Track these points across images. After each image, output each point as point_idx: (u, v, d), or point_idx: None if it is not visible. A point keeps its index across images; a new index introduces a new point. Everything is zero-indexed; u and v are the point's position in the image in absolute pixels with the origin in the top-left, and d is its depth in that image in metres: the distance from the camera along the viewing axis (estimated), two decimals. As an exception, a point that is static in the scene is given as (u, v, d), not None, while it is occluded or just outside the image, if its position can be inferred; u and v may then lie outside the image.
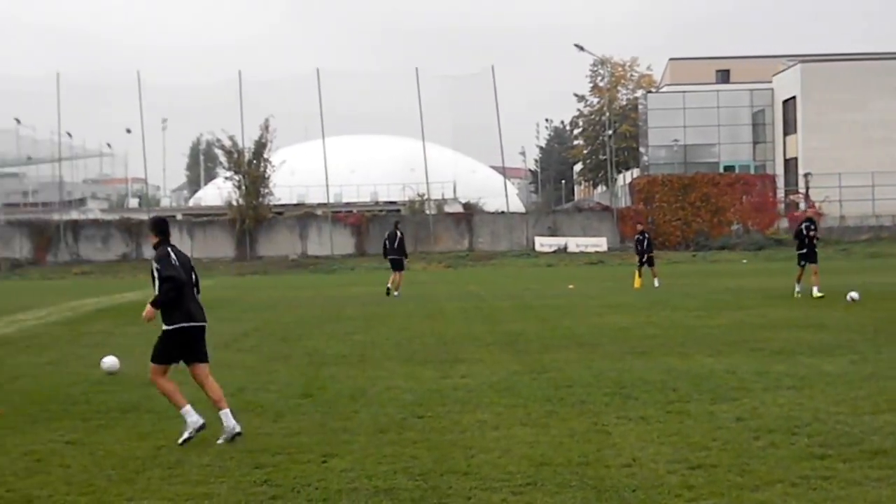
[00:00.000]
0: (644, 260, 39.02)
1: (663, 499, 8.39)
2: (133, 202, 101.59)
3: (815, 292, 28.73)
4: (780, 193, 77.97)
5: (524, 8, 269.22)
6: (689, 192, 73.51)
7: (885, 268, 48.18)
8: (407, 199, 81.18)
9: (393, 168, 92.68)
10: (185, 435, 11.03)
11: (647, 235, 39.64)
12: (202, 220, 78.40)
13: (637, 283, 37.83)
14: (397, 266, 35.71)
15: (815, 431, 10.68)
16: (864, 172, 72.64)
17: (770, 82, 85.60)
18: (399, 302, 32.64)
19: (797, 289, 29.33)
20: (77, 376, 16.58)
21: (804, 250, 29.53)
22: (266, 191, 74.77)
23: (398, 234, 35.77)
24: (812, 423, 11.13)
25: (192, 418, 11.13)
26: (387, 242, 36.13)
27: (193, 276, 11.82)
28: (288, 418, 12.28)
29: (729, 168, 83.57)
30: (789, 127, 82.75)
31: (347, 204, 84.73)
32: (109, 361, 16.53)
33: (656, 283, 37.37)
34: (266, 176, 74.43)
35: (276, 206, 77.02)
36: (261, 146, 74.30)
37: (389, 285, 35.58)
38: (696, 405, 12.39)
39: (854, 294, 27.23)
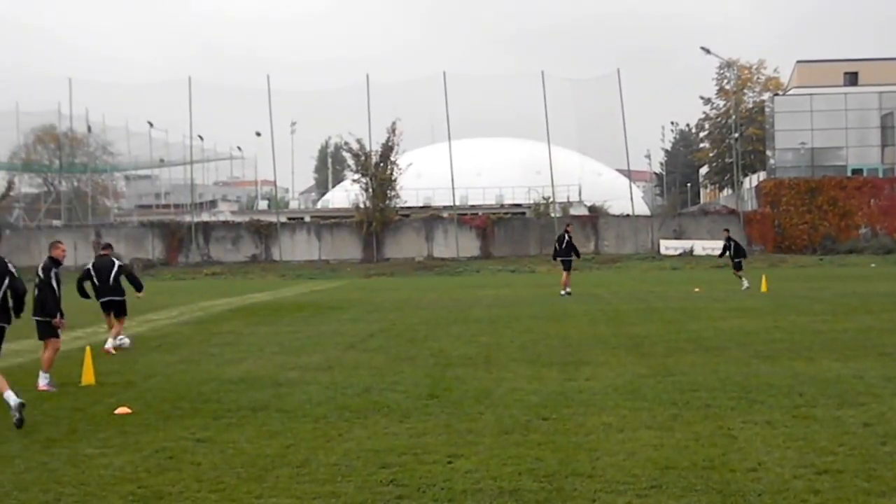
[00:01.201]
0: (733, 264, 40.08)
1: (789, 504, 8.37)
2: (262, 204, 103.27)
3: None
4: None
5: (651, 10, 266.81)
6: (817, 196, 72.23)
7: None
8: (532, 201, 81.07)
9: (518, 171, 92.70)
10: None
11: (733, 241, 40.45)
12: (330, 222, 79.32)
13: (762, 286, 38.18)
14: (567, 266, 37.95)
15: (946, 438, 10.51)
16: None
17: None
18: (524, 304, 32.71)
19: None
20: (208, 375, 16.96)
21: None
22: (392, 193, 75.34)
23: (566, 236, 38.17)
24: (943, 430, 10.95)
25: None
26: (557, 245, 38.62)
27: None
28: (414, 419, 12.42)
29: (857, 171, 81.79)
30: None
31: (473, 206, 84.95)
32: None
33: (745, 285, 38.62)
34: (393, 178, 75.00)
35: (402, 208, 77.56)
36: (387, 149, 74.91)
37: (566, 288, 37.66)
38: (823, 410, 12.26)
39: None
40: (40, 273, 15.53)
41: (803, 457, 9.86)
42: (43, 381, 15.47)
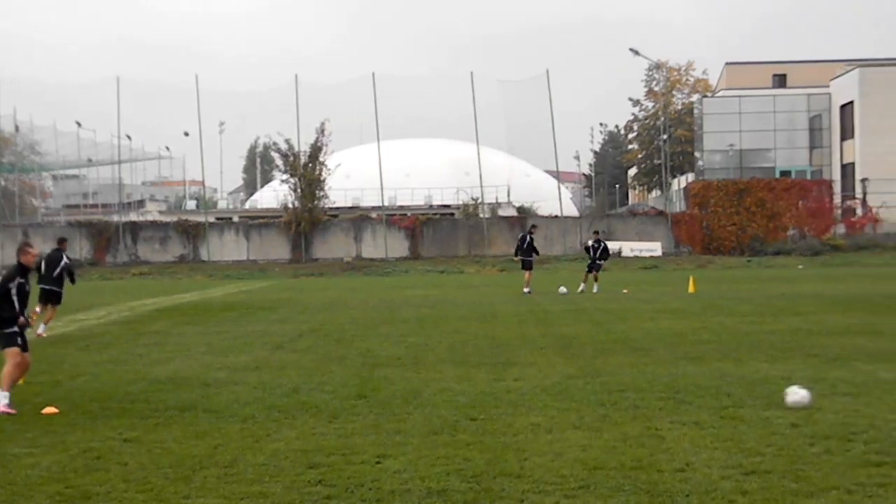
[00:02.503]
0: (593, 266, 39.79)
1: (717, 504, 8.38)
2: (191, 204, 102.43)
3: None
4: (837, 199, 77.19)
5: (579, 12, 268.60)
6: (745, 197, 73.05)
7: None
8: (461, 202, 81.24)
9: (447, 172, 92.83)
10: None
11: (602, 243, 40.43)
12: (258, 222, 78.97)
13: (581, 286, 39.01)
14: (527, 265, 38.90)
15: (872, 438, 10.61)
16: (923, 179, 71.83)
17: (828, 87, 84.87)
18: (453, 305, 32.73)
19: None
20: (135, 375, 16.76)
21: None
22: (321, 194, 75.19)
23: (529, 236, 39.56)
24: (868, 430, 11.06)
25: None
26: (519, 243, 39.91)
27: None
28: (342, 419, 12.36)
29: (785, 173, 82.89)
30: (847, 132, 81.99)
31: (402, 207, 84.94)
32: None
33: (595, 289, 38.57)
34: (321, 179, 74.85)
35: (331, 209, 77.39)
36: (316, 150, 74.74)
37: (526, 287, 38.27)
38: (751, 411, 12.34)
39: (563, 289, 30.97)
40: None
41: (731, 457, 9.89)
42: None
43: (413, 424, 11.92)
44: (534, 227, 42.63)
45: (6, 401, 13.25)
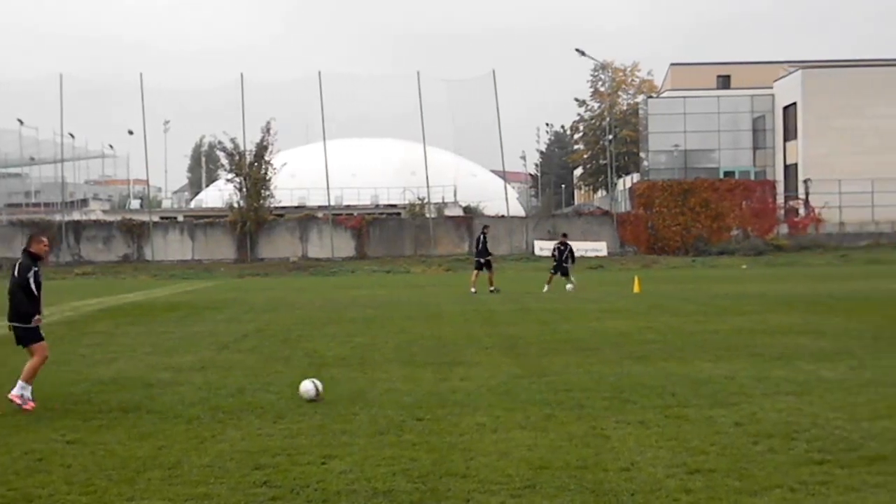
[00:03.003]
0: (558, 268, 40.18)
1: (661, 503, 8.42)
2: (135, 204, 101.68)
3: None
4: (780, 199, 78.00)
5: (526, 12, 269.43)
6: (689, 198, 73.59)
7: (885, 274, 48.19)
8: (407, 202, 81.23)
9: (394, 171, 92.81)
10: None
11: (568, 246, 40.78)
12: (203, 222, 78.51)
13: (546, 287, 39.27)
14: (478, 266, 39.70)
15: (814, 437, 10.71)
16: (863, 179, 72.70)
17: (771, 88, 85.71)
18: (399, 305, 32.71)
19: None
20: (78, 376, 16.58)
21: None
22: (267, 193, 74.93)
23: (482, 237, 39.86)
24: (811, 428, 11.16)
25: None
26: (476, 245, 40.58)
27: None
28: (288, 419, 12.29)
29: (729, 173, 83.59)
30: (790, 133, 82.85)
31: (348, 207, 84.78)
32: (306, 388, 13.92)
33: (569, 287, 39.05)
34: (267, 178, 74.60)
35: (276, 208, 77.13)
36: (262, 149, 74.48)
37: (491, 286, 38.99)
38: (695, 410, 12.42)
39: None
40: (16, 273, 13.65)
41: (675, 456, 9.95)
42: (18, 391, 13.46)
43: (359, 425, 11.89)
44: (486, 227, 42.87)
45: (28, 394, 13.43)
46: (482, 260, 39.41)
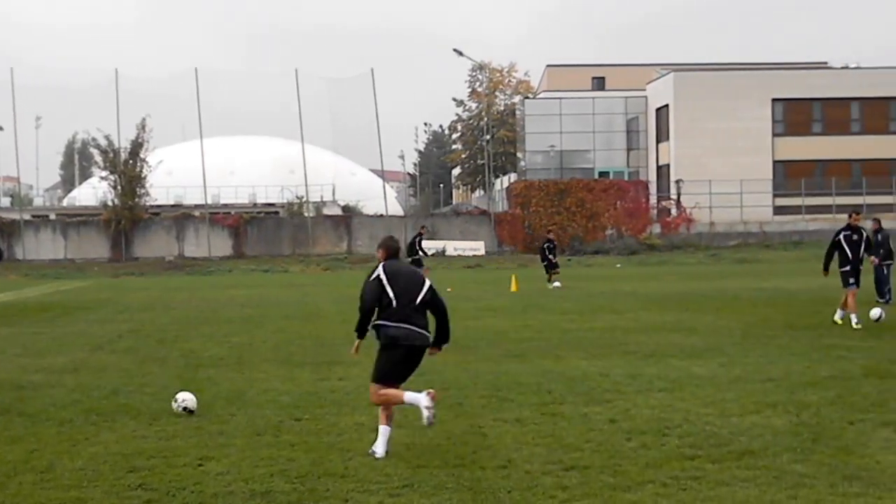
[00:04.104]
0: (551, 266, 40.40)
1: (538, 500, 8.52)
2: (5, 201, 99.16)
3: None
4: (653, 199, 79.34)
5: (404, 11, 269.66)
6: (565, 198, 74.43)
7: (753, 273, 49.39)
8: (286, 201, 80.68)
9: (272, 170, 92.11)
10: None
11: (555, 243, 40.97)
12: (76, 220, 76.95)
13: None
14: (419, 264, 39.55)
15: (685, 433, 10.95)
16: (733, 180, 74.36)
17: (644, 90, 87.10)
18: (277, 304, 32.52)
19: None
20: (-55, 379, 16.14)
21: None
22: (142, 191, 73.79)
23: (418, 237, 40.29)
24: (682, 424, 11.41)
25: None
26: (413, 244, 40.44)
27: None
28: (163, 421, 12.15)
29: (603, 174, 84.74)
30: (662, 134, 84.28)
31: (225, 205, 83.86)
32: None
33: (557, 284, 39.12)
34: (142, 176, 73.47)
35: (152, 206, 75.98)
36: (137, 146, 73.33)
37: None
38: (571, 407, 12.60)
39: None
40: None
41: (552, 453, 10.09)
42: None
43: (236, 426, 11.82)
44: (423, 227, 43.55)
45: None
46: (416, 258, 39.34)
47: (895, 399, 12.71)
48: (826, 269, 22.90)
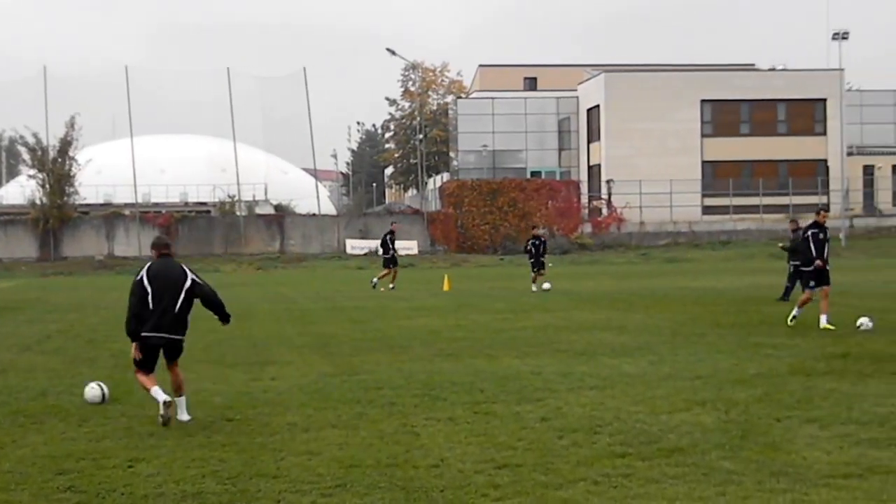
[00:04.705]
0: (536, 263, 37.85)
1: (470, 498, 8.57)
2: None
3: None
4: (584, 199, 79.83)
5: (336, 10, 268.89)
6: (498, 197, 74.66)
7: (682, 272, 49.92)
8: (217, 200, 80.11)
9: (203, 168, 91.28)
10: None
11: (542, 240, 39.03)
12: (3, 219, 75.79)
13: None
14: (385, 263, 40.78)
15: (616, 430, 11.05)
16: (663, 180, 75.06)
17: (575, 91, 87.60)
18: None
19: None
20: None
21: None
22: (71, 190, 72.82)
23: (389, 235, 40.62)
24: (613, 422, 11.51)
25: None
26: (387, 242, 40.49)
27: None
28: (93, 422, 12.05)
29: (535, 174, 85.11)
30: (593, 134, 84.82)
31: (156, 204, 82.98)
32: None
33: (546, 286, 36.63)
34: (71, 174, 72.51)
35: (81, 205, 75.00)
36: (66, 144, 72.35)
37: (376, 281, 40.36)
38: (503, 406, 12.67)
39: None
40: None
41: (484, 452, 10.14)
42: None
43: (167, 427, 11.73)
44: (393, 223, 43.80)
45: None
46: (386, 256, 40.28)
47: (821, 396, 12.93)
48: (820, 258, 21.21)
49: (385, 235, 40.99)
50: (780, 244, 32.73)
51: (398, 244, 42.76)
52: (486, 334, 21.39)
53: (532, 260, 38.05)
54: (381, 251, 41.68)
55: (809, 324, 21.98)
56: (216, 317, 13.11)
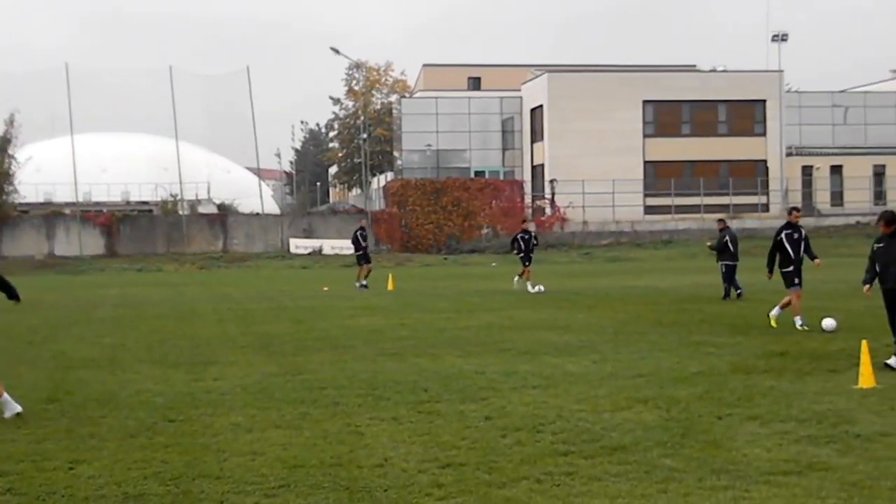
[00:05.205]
0: (526, 258, 35.65)
1: (414, 498, 8.59)
2: None
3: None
4: (528, 199, 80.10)
5: (280, 8, 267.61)
6: (442, 196, 74.72)
7: (624, 271, 50.25)
8: (159, 199, 79.51)
9: (145, 167, 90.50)
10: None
11: (531, 234, 36.60)
12: (-61, 217, 74.75)
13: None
14: (359, 261, 41.33)
15: (559, 429, 11.12)
16: (605, 180, 75.50)
17: (519, 91, 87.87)
18: (151, 304, 32.08)
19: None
20: None
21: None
22: (10, 188, 71.96)
23: (358, 233, 40.97)
24: (556, 420, 11.58)
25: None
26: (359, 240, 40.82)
27: None
28: (33, 424, 11.93)
29: (479, 173, 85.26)
30: (536, 134, 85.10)
31: (98, 203, 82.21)
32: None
33: (540, 288, 34.51)
34: (10, 173, 71.66)
35: (21, 204, 74.16)
36: (5, 142, 71.54)
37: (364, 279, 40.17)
38: (447, 405, 12.70)
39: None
40: None
41: (428, 451, 10.16)
42: None
43: (108, 428, 11.65)
44: (363, 220, 44.03)
45: None
46: (359, 254, 40.76)
47: (761, 394, 13.08)
48: (771, 270, 21.40)
49: (355, 232, 41.37)
50: (708, 243, 33.10)
51: (341, 243, 42.69)
52: (429, 333, 21.42)
53: (521, 255, 35.77)
54: (353, 249, 42.47)
55: (750, 322, 22.22)
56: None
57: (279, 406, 12.82)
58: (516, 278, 36.23)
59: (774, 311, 21.61)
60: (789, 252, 21.02)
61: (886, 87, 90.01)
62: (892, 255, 15.33)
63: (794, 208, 22.09)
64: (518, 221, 75.43)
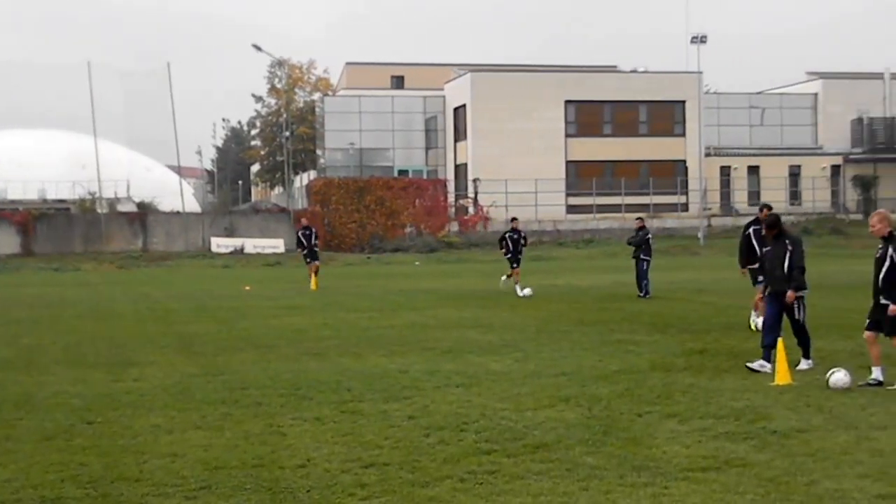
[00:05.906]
0: (514, 258, 34.07)
1: (337, 498, 8.57)
2: None
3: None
4: (451, 198, 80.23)
5: (200, 5, 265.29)
6: (365, 195, 74.59)
7: (546, 270, 50.51)
8: (77, 197, 78.44)
9: (63, 165, 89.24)
10: None
11: (520, 232, 34.82)
12: None
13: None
14: (312, 256, 40.71)
15: (482, 427, 11.15)
16: (528, 179, 75.87)
17: (442, 90, 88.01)
18: (69, 304, 31.64)
19: None
20: None
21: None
22: (-77, 186, 70.69)
23: (309, 232, 40.48)
24: (479, 419, 11.61)
25: None
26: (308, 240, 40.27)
27: None
28: (-53, 427, 11.71)
29: (403, 172, 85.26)
30: (460, 133, 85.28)
31: (13, 201, 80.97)
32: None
33: (527, 291, 32.21)
34: (-76, 170, 70.39)
35: (-67, 202, 72.86)
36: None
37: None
38: (370, 404, 12.68)
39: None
40: None
41: (351, 451, 10.13)
42: None
43: (24, 430, 11.48)
44: (304, 219, 44.60)
45: None
46: (304, 252, 40.64)
47: (680, 391, 13.22)
48: (743, 265, 21.26)
49: (297, 232, 41.56)
50: (628, 239, 33.47)
51: (263, 242, 42.47)
52: (353, 333, 21.38)
53: (508, 255, 34.12)
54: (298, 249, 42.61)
55: (669, 321, 22.45)
56: None
57: (200, 407, 12.71)
58: (503, 278, 34.83)
59: (753, 316, 20.71)
60: (756, 249, 20.25)
61: (802, 89, 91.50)
62: (780, 257, 15.40)
63: (766, 205, 21.64)
64: (441, 221, 76.14)
